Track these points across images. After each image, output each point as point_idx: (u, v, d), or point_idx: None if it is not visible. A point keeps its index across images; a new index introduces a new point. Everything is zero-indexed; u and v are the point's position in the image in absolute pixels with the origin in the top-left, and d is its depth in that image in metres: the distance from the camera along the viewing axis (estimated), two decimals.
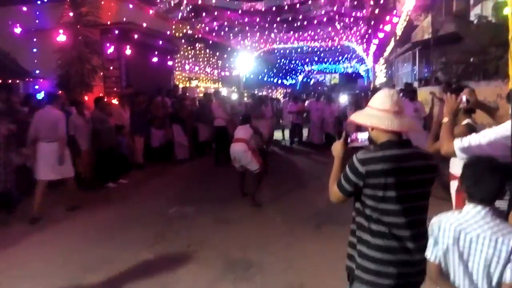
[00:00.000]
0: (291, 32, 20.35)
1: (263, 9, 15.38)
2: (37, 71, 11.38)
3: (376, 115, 2.22)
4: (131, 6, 12.51)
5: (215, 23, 17.49)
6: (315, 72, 43.20)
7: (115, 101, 10.26)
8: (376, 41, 21.20)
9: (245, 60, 23.18)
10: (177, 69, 16.65)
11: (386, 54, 23.07)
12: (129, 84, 11.42)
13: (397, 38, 19.60)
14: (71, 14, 10.01)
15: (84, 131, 8.05)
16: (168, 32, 14.73)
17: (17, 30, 10.55)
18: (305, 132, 15.19)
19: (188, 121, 11.40)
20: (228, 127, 10.40)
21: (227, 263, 4.79)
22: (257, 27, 18.68)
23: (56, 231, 5.99)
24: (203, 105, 12.32)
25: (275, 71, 33.04)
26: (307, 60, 33.59)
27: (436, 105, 6.51)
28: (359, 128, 2.47)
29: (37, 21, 11.15)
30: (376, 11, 16.63)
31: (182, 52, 16.93)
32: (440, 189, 4.27)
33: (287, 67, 35.60)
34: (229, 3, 15.15)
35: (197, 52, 18.89)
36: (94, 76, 10.35)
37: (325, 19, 17.76)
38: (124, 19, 11.65)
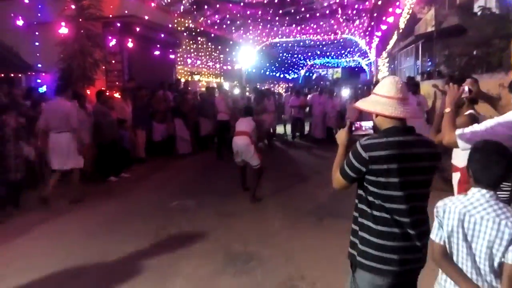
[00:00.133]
0: (294, 25, 20.25)
1: (265, 1, 15.29)
2: (39, 65, 11.37)
3: (381, 102, 2.24)
4: None
5: (217, 16, 17.41)
6: (317, 67, 43.06)
7: (117, 95, 10.24)
8: (379, 33, 21.07)
9: (247, 54, 23.11)
10: (179, 63, 16.61)
11: (389, 47, 22.92)
12: (131, 78, 11.39)
13: (400, 31, 19.45)
14: (73, 7, 9.96)
15: (85, 125, 8.05)
16: (170, 25, 14.68)
17: (19, 22, 10.52)
18: (306, 126, 15.16)
19: (190, 115, 11.39)
20: (231, 121, 10.37)
21: (228, 256, 4.80)
22: (259, 20, 18.59)
23: (58, 224, 6.02)
24: (204, 99, 12.30)
25: (277, 65, 32.94)
26: (309, 54, 33.45)
27: (439, 99, 6.47)
28: (360, 116, 2.48)
29: (39, 14, 11.12)
30: (379, 2, 16.51)
31: (184, 46, 16.88)
32: (440, 181, 4.25)
33: (289, 61, 35.47)
34: None
35: (199, 46, 18.83)
36: (96, 70, 10.32)
37: (327, 12, 17.64)
38: (126, 11, 11.60)
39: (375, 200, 2.17)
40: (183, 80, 14.58)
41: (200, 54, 19.03)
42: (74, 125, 6.79)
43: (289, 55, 32.84)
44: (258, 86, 18.63)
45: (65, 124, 6.68)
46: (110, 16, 11.13)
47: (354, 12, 18.29)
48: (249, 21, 18.89)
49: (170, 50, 14.87)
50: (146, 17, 12.34)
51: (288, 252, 4.86)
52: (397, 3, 17.20)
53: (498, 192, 1.98)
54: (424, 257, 2.24)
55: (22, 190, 6.87)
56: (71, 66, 9.96)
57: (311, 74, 43.36)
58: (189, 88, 13.43)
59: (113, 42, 11.35)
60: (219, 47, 20.79)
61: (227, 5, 16.35)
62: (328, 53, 33.09)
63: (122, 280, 4.25)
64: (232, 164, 7.48)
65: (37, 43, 11.22)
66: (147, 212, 6.48)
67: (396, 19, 17.96)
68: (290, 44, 27.44)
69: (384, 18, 18.02)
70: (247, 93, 16.05)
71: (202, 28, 17.69)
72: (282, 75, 35.37)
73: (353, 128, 2.45)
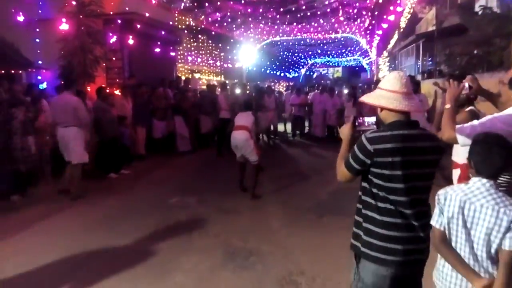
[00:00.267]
0: (294, 24, 20.24)
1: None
2: (40, 62, 11.36)
3: (386, 96, 2.28)
4: None
5: (217, 14, 17.40)
6: (318, 65, 43.07)
7: (117, 92, 10.24)
8: (379, 32, 21.06)
9: (248, 52, 23.08)
10: (179, 61, 16.59)
11: (389, 47, 22.93)
12: (132, 75, 11.39)
13: (401, 30, 19.47)
14: (73, 3, 9.96)
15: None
16: (171, 23, 14.67)
17: (20, 18, 10.52)
18: (306, 124, 15.17)
19: (190, 112, 11.39)
20: (232, 119, 10.36)
21: (228, 252, 4.81)
22: (260, 18, 18.58)
23: (58, 219, 6.03)
24: (204, 96, 12.32)
25: (278, 64, 32.92)
26: (310, 53, 33.45)
27: (439, 98, 6.48)
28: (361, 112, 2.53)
29: (40, 11, 11.11)
30: (380, 0, 16.50)
31: (184, 44, 16.86)
32: (441, 179, 4.25)
33: (290, 60, 35.46)
34: None
35: (200, 43, 18.82)
36: (96, 67, 10.31)
37: (328, 10, 17.63)
38: (127, 8, 11.60)
39: (379, 192, 2.21)
40: (183, 78, 14.57)
41: (200, 52, 19.00)
42: (83, 118, 7.03)
43: (290, 53, 32.84)
44: (259, 84, 18.62)
45: (72, 118, 6.84)
46: (111, 13, 11.12)
47: (355, 10, 18.27)
48: (250, 19, 18.87)
49: (171, 48, 14.85)
50: (147, 14, 12.33)
51: (288, 248, 4.87)
52: (398, 1, 17.20)
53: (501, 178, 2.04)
54: (428, 249, 2.27)
55: (31, 181, 7.09)
56: (72, 63, 9.95)
57: (311, 73, 43.35)
58: (190, 86, 13.43)
59: (113, 39, 11.33)
60: (220, 45, 20.76)
61: (228, 3, 16.34)
62: (328, 52, 33.11)
63: (122, 276, 4.26)
64: (232, 161, 7.48)
65: (37, 40, 11.21)
66: (147, 208, 6.49)
67: (397, 18, 17.96)
68: (291, 43, 27.43)
69: (385, 16, 18.01)
70: (248, 91, 16.05)
71: (202, 26, 17.67)
72: (282, 74, 35.35)
73: (357, 123, 2.47)
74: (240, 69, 23.57)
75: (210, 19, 17.73)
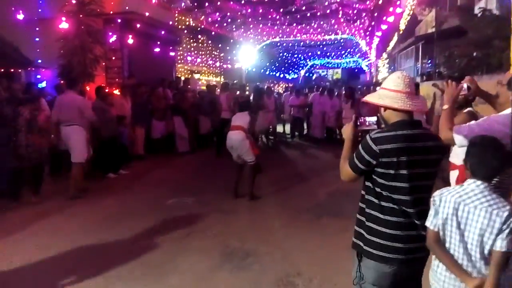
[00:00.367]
0: (294, 24, 20.25)
1: (266, 0, 15.30)
2: (39, 61, 11.36)
3: (389, 96, 2.30)
4: None
5: (217, 14, 17.40)
6: (317, 67, 43.03)
7: (116, 92, 10.23)
8: (379, 33, 21.08)
9: (248, 53, 23.09)
10: (179, 61, 16.59)
11: (389, 49, 22.95)
12: (131, 75, 11.39)
13: (401, 32, 19.49)
14: (73, 1, 9.96)
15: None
16: (171, 23, 14.67)
17: (20, 16, 10.51)
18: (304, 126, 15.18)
19: (190, 113, 11.39)
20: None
21: (225, 252, 4.81)
22: (260, 18, 18.59)
23: (56, 219, 6.01)
24: (203, 97, 12.32)
25: (277, 65, 32.94)
26: (309, 54, 33.49)
27: (438, 100, 6.47)
28: (359, 115, 2.54)
29: (39, 9, 11.11)
30: (380, 1, 16.52)
31: (184, 44, 16.86)
32: (440, 182, 4.25)
33: (289, 61, 35.48)
34: None
35: (200, 44, 18.81)
36: (96, 66, 10.31)
37: (328, 11, 17.64)
38: (127, 8, 11.59)
39: (382, 191, 2.24)
40: (183, 78, 14.57)
41: (200, 52, 19.00)
42: (89, 116, 7.15)
43: (289, 54, 32.87)
44: (258, 85, 18.60)
45: (76, 117, 6.93)
46: (111, 12, 11.12)
47: (355, 12, 18.29)
48: (250, 19, 18.87)
49: (171, 48, 14.85)
50: (147, 14, 12.33)
51: (285, 249, 4.87)
52: (398, 3, 17.21)
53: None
54: None
55: (42, 176, 7.15)
56: (71, 62, 9.95)
57: (311, 75, 43.31)
58: (189, 86, 13.43)
59: (113, 39, 11.33)
60: (220, 45, 20.76)
61: (228, 3, 16.34)
62: (328, 54, 33.13)
63: (119, 276, 4.26)
64: (231, 162, 7.44)
65: (37, 39, 11.20)
66: (145, 208, 6.48)
67: (397, 19, 17.98)
68: (290, 44, 27.46)
69: (384, 18, 18.03)
70: (247, 92, 16.05)
71: (202, 26, 17.67)
72: (282, 75, 35.35)
73: (358, 123, 2.53)
74: (240, 70, 23.57)
75: (210, 19, 17.75)
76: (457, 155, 3.34)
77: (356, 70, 39.05)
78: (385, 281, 2.25)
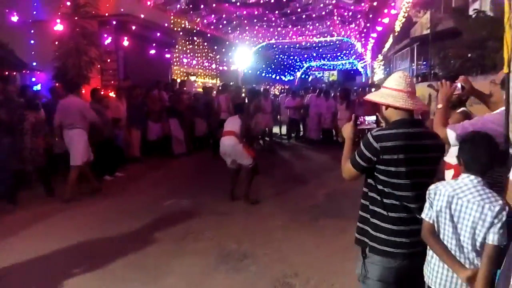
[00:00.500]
0: (290, 26, 20.28)
1: (261, 1, 15.32)
2: (34, 63, 11.31)
3: (391, 95, 2.37)
4: None
5: (213, 16, 17.41)
6: (313, 69, 43.14)
7: (112, 94, 10.20)
8: (374, 35, 21.14)
9: (244, 55, 23.10)
10: (175, 63, 16.58)
11: (384, 50, 23.04)
12: (127, 77, 11.37)
13: (396, 34, 19.56)
14: (68, 4, 9.93)
15: None
16: (166, 25, 14.66)
17: (14, 18, 10.48)
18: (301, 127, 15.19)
19: (186, 115, 11.37)
20: None
21: (221, 254, 4.80)
22: (255, 20, 18.61)
23: (52, 222, 5.98)
24: (198, 99, 12.31)
25: (273, 66, 32.96)
26: (305, 56, 33.55)
27: (433, 101, 6.50)
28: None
29: (34, 12, 11.08)
30: (375, 3, 16.57)
31: (180, 46, 16.86)
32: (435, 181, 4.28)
33: (285, 63, 35.52)
34: None
35: (195, 46, 18.81)
36: (91, 68, 10.28)
37: (323, 13, 17.68)
38: (122, 10, 11.58)
39: (384, 188, 2.30)
40: (179, 80, 14.57)
41: (196, 54, 19.00)
42: (92, 118, 7.26)
43: (285, 56, 32.90)
44: (254, 87, 18.62)
45: (78, 120, 7.02)
46: (106, 14, 11.11)
47: (350, 13, 18.34)
48: (245, 21, 18.89)
49: (166, 50, 14.84)
50: (142, 16, 12.33)
51: (282, 250, 4.87)
52: (393, 4, 17.28)
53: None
54: None
55: (49, 177, 7.30)
56: (66, 64, 9.92)
57: (307, 76, 43.41)
58: (185, 88, 13.42)
59: (108, 41, 11.31)
60: (215, 47, 20.75)
61: (224, 5, 16.35)
62: (324, 55, 33.21)
63: (114, 278, 4.24)
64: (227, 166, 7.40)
65: (32, 41, 11.16)
66: (141, 211, 6.45)
67: (392, 21, 18.04)
68: (286, 46, 27.49)
69: (379, 19, 18.10)
70: (243, 94, 16.04)
71: (198, 28, 17.68)
72: (278, 77, 35.39)
73: (358, 122, 2.59)
74: (236, 72, 23.57)
75: (205, 21, 17.74)
76: (452, 155, 3.35)
77: (352, 72, 39.21)
78: (390, 276, 2.31)
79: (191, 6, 15.87)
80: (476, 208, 2.02)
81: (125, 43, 11.54)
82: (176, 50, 16.48)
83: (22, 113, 6.93)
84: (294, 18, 18.28)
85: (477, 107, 3.57)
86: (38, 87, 10.95)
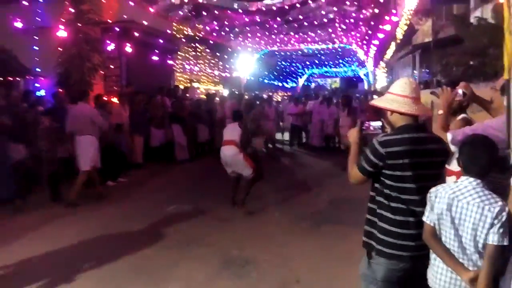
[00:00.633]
0: (292, 33, 20.33)
1: (263, 9, 15.40)
2: (38, 69, 11.38)
3: (396, 100, 2.41)
4: (131, 3, 12.55)
5: (215, 23, 17.49)
6: (316, 76, 43.22)
7: (115, 100, 10.25)
8: (376, 42, 21.18)
9: (246, 62, 23.16)
10: (177, 70, 16.65)
11: (386, 58, 23.07)
12: (129, 83, 11.42)
13: (398, 42, 19.60)
14: (72, 10, 10.01)
15: None
16: (169, 32, 14.74)
17: (18, 24, 10.57)
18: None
19: (188, 121, 11.40)
20: None
21: (223, 260, 4.79)
22: (257, 27, 18.68)
23: (54, 227, 6.00)
24: (200, 105, 12.36)
25: (275, 73, 33.03)
26: (307, 63, 33.59)
27: (436, 108, 6.51)
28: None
29: (38, 18, 11.17)
30: (376, 10, 16.62)
31: (183, 53, 16.93)
32: None
33: (287, 70, 35.58)
34: (229, 2, 15.15)
35: (198, 53, 18.88)
36: (94, 74, 10.35)
37: (325, 20, 17.73)
38: (125, 17, 11.66)
39: (391, 192, 2.34)
40: (181, 87, 14.63)
41: (198, 61, 19.07)
42: (101, 124, 7.45)
43: (288, 63, 32.96)
44: (257, 93, 18.64)
45: (89, 126, 7.19)
46: (109, 21, 11.19)
47: (352, 21, 18.40)
48: (248, 28, 18.96)
49: (169, 56, 14.93)
50: (145, 23, 12.42)
51: (284, 257, 4.86)
52: (394, 11, 17.33)
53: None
54: None
55: (57, 182, 7.35)
56: (69, 70, 9.98)
57: (309, 84, 43.49)
58: (187, 95, 13.47)
59: (111, 47, 11.39)
60: (218, 54, 20.82)
61: (226, 12, 16.43)
62: (326, 63, 33.24)
63: (117, 283, 4.24)
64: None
65: (35, 47, 11.25)
66: (144, 216, 6.45)
67: (394, 29, 18.09)
68: (288, 53, 27.54)
69: (381, 26, 18.15)
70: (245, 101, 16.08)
71: (200, 35, 17.76)
72: (280, 84, 35.45)
73: (364, 128, 2.63)
74: (238, 79, 23.63)
75: (208, 28, 17.82)
76: (453, 161, 3.36)
77: (354, 79, 39.26)
78: (394, 276, 2.36)
79: (193, 13, 15.96)
80: (476, 209, 2.04)
81: (128, 49, 11.61)
82: (179, 57, 16.56)
83: (38, 118, 7.34)
84: (296, 25, 18.33)
85: (480, 114, 3.57)
86: (42, 92, 11.02)
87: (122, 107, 9.75)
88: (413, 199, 2.30)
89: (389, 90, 2.51)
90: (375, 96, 12.01)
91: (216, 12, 16.33)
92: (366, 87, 31.70)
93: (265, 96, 18.82)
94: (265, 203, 7.15)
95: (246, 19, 17.28)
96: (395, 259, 2.33)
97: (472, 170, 2.12)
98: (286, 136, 15.27)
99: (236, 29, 19.09)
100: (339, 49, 26.08)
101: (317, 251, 5.02)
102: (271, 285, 4.16)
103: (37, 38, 11.21)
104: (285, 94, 29.13)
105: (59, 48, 10.07)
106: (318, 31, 19.73)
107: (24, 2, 10.86)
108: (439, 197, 2.16)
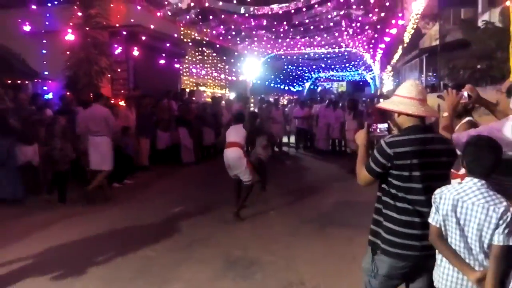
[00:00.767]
0: (298, 37, 20.35)
1: (269, 13, 15.44)
2: (46, 72, 11.50)
3: (403, 102, 2.45)
4: (139, 8, 12.65)
5: (222, 27, 17.56)
6: (322, 80, 43.25)
7: (122, 103, 10.32)
8: (382, 46, 21.15)
9: (252, 66, 23.20)
10: (184, 73, 16.73)
11: (393, 61, 23.04)
12: (137, 86, 11.50)
13: (405, 45, 19.58)
14: (79, 14, 10.11)
15: None
16: (176, 35, 14.83)
17: (26, 28, 10.69)
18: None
19: (194, 124, 11.45)
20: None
21: (228, 261, 4.80)
22: (264, 31, 18.72)
23: (60, 228, 6.03)
24: (205, 108, 12.39)
25: (282, 77, 33.05)
26: (314, 67, 33.58)
27: (442, 111, 6.50)
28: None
29: (46, 22, 11.29)
30: (382, 14, 16.61)
31: (189, 57, 17.02)
32: None
33: (294, 74, 35.62)
34: (236, 6, 15.20)
35: (204, 56, 18.97)
36: (102, 78, 10.44)
37: (332, 24, 17.74)
38: (132, 21, 11.75)
39: (398, 192, 2.37)
40: (188, 90, 14.69)
41: (205, 64, 19.15)
42: (114, 126, 7.66)
43: (294, 67, 32.99)
44: (263, 96, 18.63)
45: (103, 127, 7.33)
46: (117, 25, 11.29)
47: (358, 24, 18.38)
48: (254, 32, 19.01)
49: (175, 60, 15.00)
50: (152, 27, 12.49)
51: (288, 258, 4.85)
52: (400, 15, 17.31)
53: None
54: None
55: (67, 182, 7.47)
56: (77, 73, 10.08)
57: (316, 87, 43.51)
58: (193, 98, 13.53)
59: (119, 51, 11.48)
60: (224, 58, 20.89)
61: (232, 16, 16.50)
62: (332, 66, 33.22)
63: (122, 284, 4.26)
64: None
65: (44, 51, 11.37)
66: (149, 218, 6.48)
67: (400, 32, 18.06)
68: (294, 57, 27.55)
69: (387, 30, 18.13)
70: (251, 105, 16.14)
71: (207, 39, 17.84)
72: (287, 87, 35.48)
73: (371, 130, 2.66)
74: (245, 82, 23.68)
75: (214, 32, 17.89)
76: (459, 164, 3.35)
77: (361, 83, 39.25)
78: (397, 273, 2.41)
79: (200, 17, 16.05)
80: (481, 210, 2.04)
81: (135, 53, 11.70)
82: (186, 61, 16.64)
83: (56, 117, 7.57)
84: (302, 29, 18.35)
85: (486, 118, 3.56)
86: (50, 95, 11.13)
87: (129, 110, 9.81)
88: (419, 199, 2.32)
89: (396, 93, 2.53)
90: (381, 100, 11.97)
91: (222, 16, 16.39)
92: (373, 91, 31.62)
93: (271, 99, 18.77)
94: (270, 204, 7.15)
95: (253, 23, 17.32)
96: (400, 258, 2.36)
97: (476, 171, 2.12)
98: (292, 139, 15.26)
99: (243, 33, 19.15)
100: (346, 53, 26.06)
101: (322, 253, 5.01)
102: (275, 286, 4.16)
103: (45, 41, 11.33)
104: (292, 97, 29.09)
105: (67, 52, 10.17)
106: (325, 35, 19.71)
107: (33, 6, 10.97)
108: (444, 198, 2.16)
